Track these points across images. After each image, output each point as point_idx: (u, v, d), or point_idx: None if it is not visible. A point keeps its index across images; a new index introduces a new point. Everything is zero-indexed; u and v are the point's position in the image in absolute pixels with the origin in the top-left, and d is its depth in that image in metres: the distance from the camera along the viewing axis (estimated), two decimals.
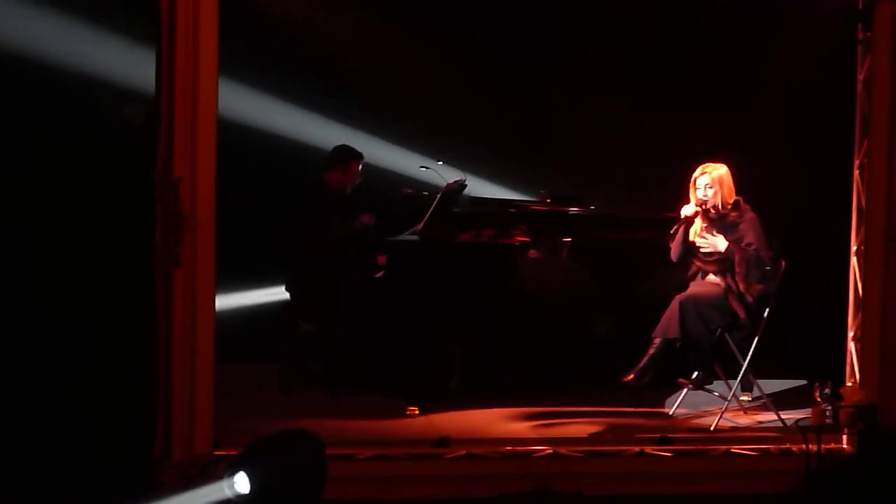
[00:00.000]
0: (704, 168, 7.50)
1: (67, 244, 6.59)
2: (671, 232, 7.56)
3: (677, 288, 7.52)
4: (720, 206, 7.49)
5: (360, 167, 8.38)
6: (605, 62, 9.46)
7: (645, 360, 7.33)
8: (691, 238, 7.54)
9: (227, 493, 5.39)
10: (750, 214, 7.50)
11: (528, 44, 9.40)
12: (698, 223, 7.53)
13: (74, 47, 6.73)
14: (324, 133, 9.09)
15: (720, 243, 7.43)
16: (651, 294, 7.78)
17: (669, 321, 7.33)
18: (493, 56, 9.37)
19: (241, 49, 7.26)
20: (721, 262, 7.47)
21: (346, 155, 8.36)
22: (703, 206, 7.48)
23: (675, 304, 7.36)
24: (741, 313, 7.35)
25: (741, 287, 7.36)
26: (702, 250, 7.49)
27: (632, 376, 7.33)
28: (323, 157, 8.43)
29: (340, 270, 8.02)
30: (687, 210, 7.51)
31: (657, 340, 7.35)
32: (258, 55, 8.67)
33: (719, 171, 7.49)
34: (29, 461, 6.28)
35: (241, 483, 5.35)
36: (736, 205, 7.51)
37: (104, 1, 6.74)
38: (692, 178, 7.51)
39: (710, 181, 7.47)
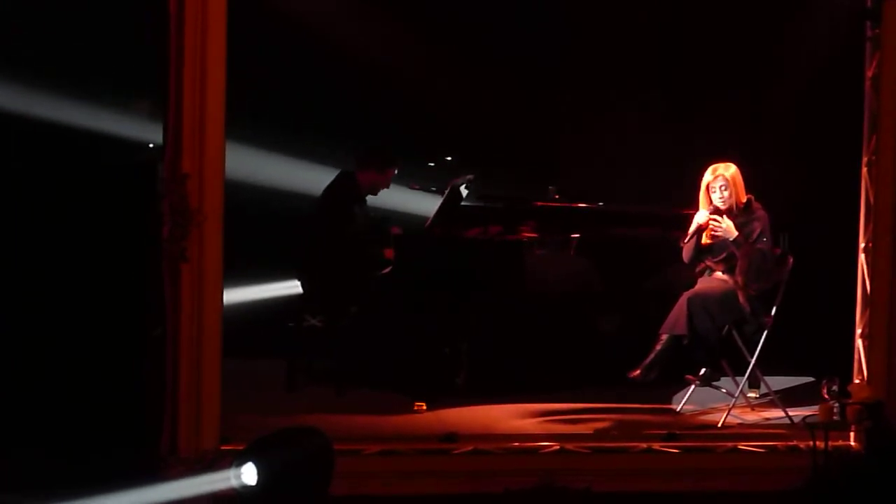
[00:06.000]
0: (715, 170, 7.42)
1: (76, 240, 6.60)
2: (685, 240, 7.52)
3: (685, 284, 7.51)
4: (734, 207, 7.44)
5: (395, 174, 8.26)
6: (613, 60, 9.45)
7: (652, 356, 7.33)
8: (704, 241, 7.51)
9: (234, 484, 5.40)
10: (761, 212, 7.46)
11: (537, 40, 9.39)
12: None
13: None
14: (330, 130, 9.10)
15: (733, 228, 7.37)
16: (658, 290, 7.77)
17: (677, 318, 7.33)
18: (502, 52, 9.36)
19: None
20: (729, 261, 7.46)
21: (386, 159, 8.20)
22: (722, 211, 7.42)
23: (682, 301, 7.35)
24: (748, 309, 7.34)
25: (739, 281, 7.34)
26: (714, 233, 7.41)
27: (638, 372, 7.33)
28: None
29: (351, 265, 8.00)
30: (700, 218, 7.44)
31: (664, 337, 7.35)
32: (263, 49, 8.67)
33: (731, 170, 7.42)
34: (34, 454, 6.29)
35: (249, 474, 5.36)
36: (748, 203, 7.48)
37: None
38: (704, 184, 7.43)
39: (725, 182, 7.40)
